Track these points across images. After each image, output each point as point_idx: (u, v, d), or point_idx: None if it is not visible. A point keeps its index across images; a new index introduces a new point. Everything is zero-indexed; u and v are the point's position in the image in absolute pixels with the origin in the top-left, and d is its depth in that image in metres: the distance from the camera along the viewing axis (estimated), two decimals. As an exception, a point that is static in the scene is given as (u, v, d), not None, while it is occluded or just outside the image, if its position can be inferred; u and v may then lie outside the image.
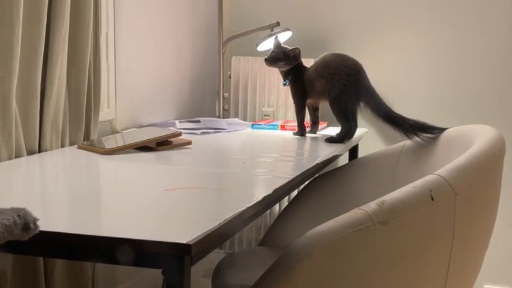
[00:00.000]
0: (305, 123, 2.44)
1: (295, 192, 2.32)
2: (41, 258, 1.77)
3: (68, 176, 1.68)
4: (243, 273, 1.86)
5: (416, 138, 2.06)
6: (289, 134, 2.41)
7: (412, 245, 1.42)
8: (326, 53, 2.30)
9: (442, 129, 2.02)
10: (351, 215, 1.35)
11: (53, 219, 1.20)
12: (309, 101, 2.34)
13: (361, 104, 2.18)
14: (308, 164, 1.80)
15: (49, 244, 1.11)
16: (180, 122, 2.46)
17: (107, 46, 2.22)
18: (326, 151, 2.02)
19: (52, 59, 1.84)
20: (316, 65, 2.28)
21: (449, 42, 2.73)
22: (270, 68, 2.74)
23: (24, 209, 0.94)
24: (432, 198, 1.38)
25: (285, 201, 2.62)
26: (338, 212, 1.41)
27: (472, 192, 1.49)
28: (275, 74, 2.75)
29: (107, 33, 2.22)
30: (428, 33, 2.75)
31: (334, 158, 2.07)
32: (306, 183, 2.21)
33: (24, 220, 0.92)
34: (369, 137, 2.60)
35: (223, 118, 2.74)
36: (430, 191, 1.39)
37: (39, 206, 1.30)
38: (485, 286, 2.74)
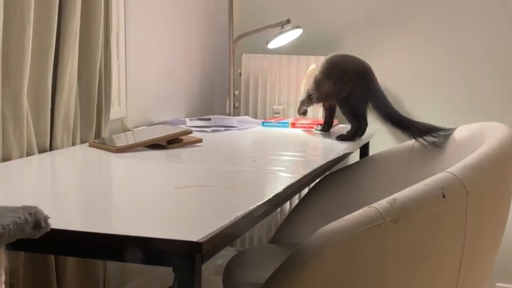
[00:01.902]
0: (316, 121, 2.44)
1: (305, 190, 2.32)
2: (53, 256, 1.78)
3: (79, 174, 1.69)
4: (254, 271, 1.86)
5: (424, 142, 2.04)
6: (299, 132, 2.41)
7: (424, 243, 1.41)
8: (332, 54, 2.28)
9: (450, 131, 2.00)
10: (361, 213, 1.35)
11: (64, 217, 1.20)
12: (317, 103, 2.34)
13: (369, 105, 2.17)
14: (319, 162, 1.79)
15: (60, 242, 1.12)
16: (190, 119, 2.46)
17: (117, 44, 2.23)
18: (337, 149, 2.02)
19: (63, 58, 1.85)
20: (322, 66, 2.25)
21: (461, 38, 2.71)
22: (281, 65, 2.75)
23: (35, 207, 0.94)
24: (444, 196, 1.38)
25: (296, 199, 2.62)
26: (349, 210, 1.41)
27: (484, 190, 1.49)
28: (286, 72, 2.75)
29: (117, 32, 2.22)
30: (440, 30, 2.73)
31: (345, 156, 2.06)
32: (317, 181, 2.20)
33: (35, 218, 0.92)
34: (380, 134, 2.59)
35: (233, 116, 2.74)
36: (442, 188, 1.38)
37: (51, 204, 1.31)
38: (497, 284, 2.72)
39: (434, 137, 2.03)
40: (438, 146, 2.01)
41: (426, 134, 2.04)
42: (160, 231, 1.12)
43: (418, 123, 2.08)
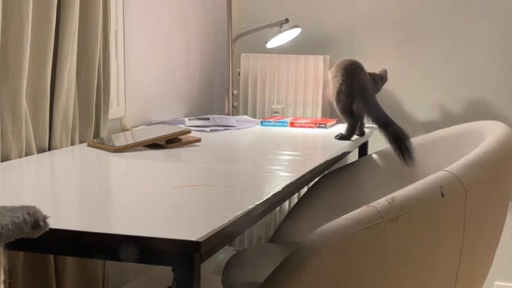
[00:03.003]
0: (315, 120, 2.44)
1: (305, 189, 2.32)
2: (52, 256, 1.78)
3: (78, 174, 1.69)
4: (253, 271, 1.86)
5: (394, 151, 2.05)
6: (298, 131, 2.41)
7: (423, 242, 1.41)
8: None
9: (410, 155, 2.00)
10: (360, 212, 1.35)
11: (63, 217, 1.21)
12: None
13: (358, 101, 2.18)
14: (317, 161, 1.79)
15: (59, 242, 1.12)
16: (189, 119, 2.46)
17: (116, 44, 2.22)
18: (336, 148, 2.02)
19: (61, 57, 1.85)
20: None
21: (460, 38, 2.71)
22: (280, 65, 2.75)
23: (34, 207, 0.94)
24: (442, 195, 1.38)
25: (295, 198, 2.62)
26: (348, 209, 1.41)
27: (483, 189, 1.49)
28: (284, 71, 2.75)
29: (116, 31, 2.22)
30: (439, 28, 2.74)
31: (344, 155, 2.06)
32: (316, 180, 2.21)
33: (34, 218, 0.92)
34: (379, 134, 2.59)
35: (232, 115, 2.74)
36: (441, 187, 1.38)
37: (50, 204, 1.31)
38: (496, 283, 2.73)
39: (402, 153, 2.02)
40: (405, 162, 2.01)
41: (397, 142, 2.03)
42: (159, 230, 1.12)
43: (398, 128, 2.05)
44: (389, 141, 2.06)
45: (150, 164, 1.75)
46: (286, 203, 2.75)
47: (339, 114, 2.24)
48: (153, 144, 1.92)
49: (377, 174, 2.19)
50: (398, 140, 2.04)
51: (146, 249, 1.07)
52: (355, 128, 2.21)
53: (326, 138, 2.26)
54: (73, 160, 1.83)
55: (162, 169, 1.72)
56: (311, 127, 2.46)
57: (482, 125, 1.84)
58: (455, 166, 1.45)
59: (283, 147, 2.11)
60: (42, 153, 1.79)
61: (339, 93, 2.17)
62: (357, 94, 2.15)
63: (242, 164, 1.85)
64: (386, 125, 2.07)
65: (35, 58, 1.76)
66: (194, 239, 1.04)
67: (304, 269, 1.33)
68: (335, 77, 2.21)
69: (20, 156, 1.70)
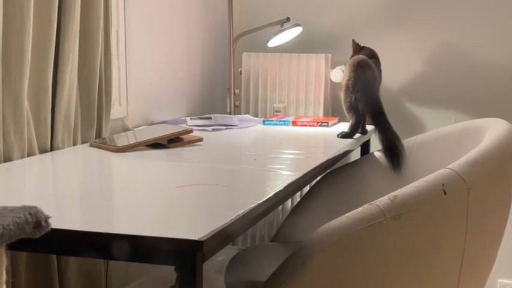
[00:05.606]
0: (317, 118, 2.43)
1: (307, 188, 2.32)
2: (55, 256, 1.78)
3: (80, 174, 1.69)
4: (256, 270, 1.86)
5: (385, 154, 2.09)
6: (300, 130, 2.40)
7: (425, 240, 1.41)
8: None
9: (400, 161, 2.05)
10: (363, 210, 1.35)
11: (65, 217, 1.21)
12: None
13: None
14: (320, 160, 1.79)
15: (61, 242, 1.12)
16: (191, 119, 2.46)
17: (117, 44, 2.23)
18: (338, 146, 2.02)
19: (63, 58, 1.85)
20: None
21: (461, 36, 2.71)
22: (281, 64, 2.74)
23: (35, 207, 0.94)
24: (445, 193, 1.38)
25: (297, 197, 2.62)
26: (350, 207, 1.41)
27: (485, 186, 1.48)
28: (286, 70, 2.74)
29: (117, 31, 2.22)
30: (441, 28, 2.73)
31: (346, 154, 2.06)
32: (318, 178, 2.20)
33: (36, 218, 0.92)
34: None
35: (234, 114, 2.74)
36: (443, 185, 1.38)
37: (52, 204, 1.31)
38: (499, 280, 2.72)
39: (392, 159, 2.06)
40: (393, 168, 2.06)
41: (388, 147, 2.07)
42: (161, 230, 1.12)
43: (393, 133, 2.08)
44: (382, 144, 2.09)
45: (152, 164, 1.75)
46: (289, 202, 2.75)
47: (345, 110, 2.23)
48: (155, 144, 1.92)
49: (379, 172, 2.18)
50: (391, 144, 2.06)
51: (148, 249, 1.07)
52: (358, 126, 2.20)
53: (328, 137, 2.26)
54: (75, 160, 1.84)
55: (164, 169, 1.72)
56: (313, 126, 2.46)
57: (484, 122, 1.84)
58: (457, 164, 1.45)
59: (285, 146, 2.11)
60: (44, 154, 1.79)
61: (346, 90, 2.17)
62: (360, 91, 2.14)
63: (244, 163, 1.85)
64: (382, 127, 2.08)
65: (36, 59, 1.76)
66: (196, 238, 1.04)
67: (306, 268, 1.33)
68: (345, 74, 2.21)
69: (22, 157, 1.71)
